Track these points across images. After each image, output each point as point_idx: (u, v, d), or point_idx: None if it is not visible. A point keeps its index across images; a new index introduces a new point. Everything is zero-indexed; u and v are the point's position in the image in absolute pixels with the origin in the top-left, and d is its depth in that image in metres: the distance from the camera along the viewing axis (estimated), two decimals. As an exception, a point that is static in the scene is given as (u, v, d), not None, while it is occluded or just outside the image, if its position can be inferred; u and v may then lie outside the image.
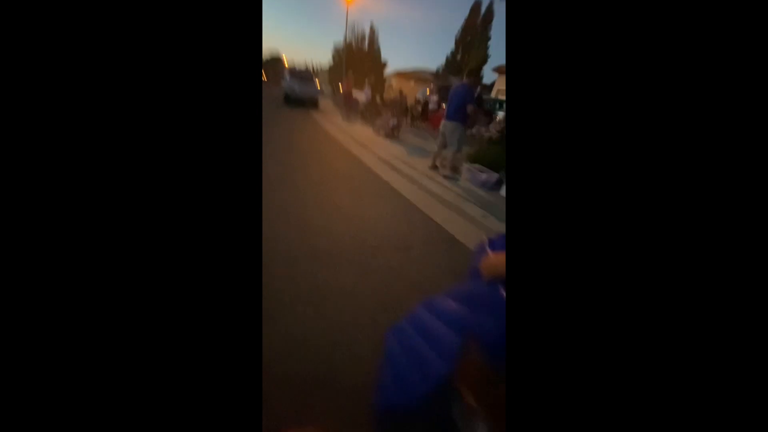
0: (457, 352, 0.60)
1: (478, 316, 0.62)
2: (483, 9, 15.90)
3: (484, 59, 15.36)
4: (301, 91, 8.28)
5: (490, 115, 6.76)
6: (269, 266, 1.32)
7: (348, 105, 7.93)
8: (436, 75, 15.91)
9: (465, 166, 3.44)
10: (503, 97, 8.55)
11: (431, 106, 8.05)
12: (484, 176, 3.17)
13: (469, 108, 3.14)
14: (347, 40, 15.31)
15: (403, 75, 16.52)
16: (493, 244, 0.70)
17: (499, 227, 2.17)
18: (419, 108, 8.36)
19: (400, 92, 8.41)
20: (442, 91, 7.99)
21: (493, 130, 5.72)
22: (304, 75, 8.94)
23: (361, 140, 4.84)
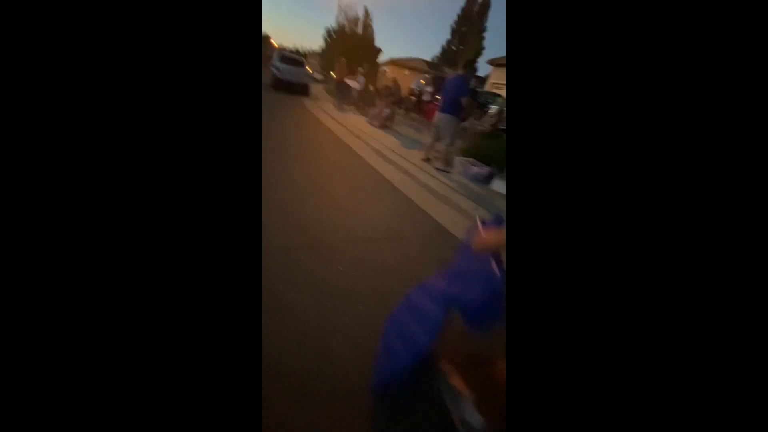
0: (440, 324, 0.63)
1: (463, 287, 0.65)
2: (479, -1, 15.61)
3: (480, 51, 15.22)
4: (290, 76, 7.89)
5: (483, 109, 6.77)
6: (263, 257, 1.31)
7: (341, 93, 7.73)
8: (431, 65, 15.67)
9: (457, 159, 3.47)
10: (497, 91, 8.54)
11: (426, 97, 7.96)
12: (476, 169, 3.21)
13: (464, 101, 3.14)
14: (339, 23, 14.75)
15: (397, 63, 16.17)
16: (485, 223, 0.73)
17: (490, 220, 2.22)
18: (413, 99, 8.26)
19: (395, 81, 8.26)
20: (437, 82, 7.89)
21: (486, 124, 5.75)
22: (295, 59, 8.50)
23: (354, 130, 4.77)
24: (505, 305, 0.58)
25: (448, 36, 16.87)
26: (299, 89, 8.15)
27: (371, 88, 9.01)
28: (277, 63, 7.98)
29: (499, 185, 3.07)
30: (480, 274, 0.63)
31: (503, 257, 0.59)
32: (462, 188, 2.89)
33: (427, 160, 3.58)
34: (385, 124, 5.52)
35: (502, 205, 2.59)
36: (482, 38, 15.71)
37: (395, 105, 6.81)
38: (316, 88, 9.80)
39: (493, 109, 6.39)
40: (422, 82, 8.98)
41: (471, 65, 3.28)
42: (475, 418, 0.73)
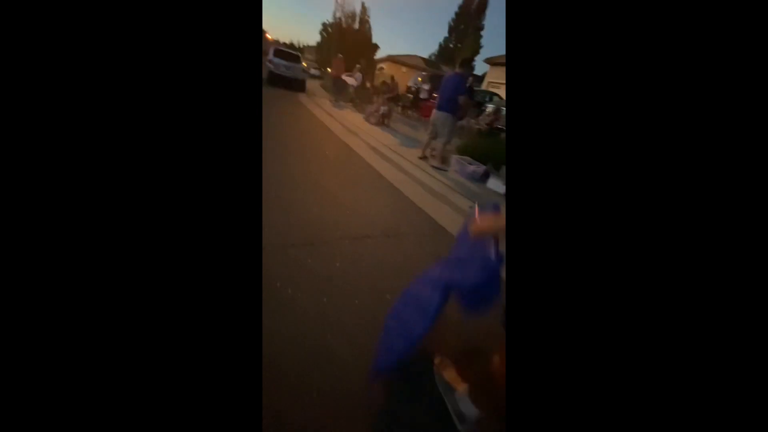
0: (438, 309, 0.63)
1: (460, 271, 0.67)
2: (477, -4, 15.57)
3: (477, 49, 15.21)
4: (286, 72, 7.76)
5: (480, 107, 6.79)
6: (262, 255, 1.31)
7: (338, 89, 7.65)
8: (429, 62, 15.62)
9: (453, 158, 3.48)
10: (494, 89, 8.56)
11: (423, 95, 7.95)
12: (471, 168, 3.23)
13: (461, 99, 3.15)
14: (336, 18, 14.57)
15: (394, 60, 16.08)
16: (482, 209, 0.74)
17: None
18: (410, 96, 8.23)
19: (392, 78, 8.21)
20: (434, 80, 7.87)
21: (482, 122, 5.77)
22: (290, 53, 8.35)
23: (351, 127, 4.74)
24: (501, 287, 0.59)
25: (445, 33, 16.84)
26: (295, 85, 8.03)
27: (368, 84, 8.94)
28: (273, 57, 7.82)
29: (494, 183, 3.10)
30: (477, 257, 0.64)
31: (501, 241, 0.60)
32: (458, 186, 2.91)
33: (424, 158, 3.59)
34: (382, 122, 5.50)
35: (497, 203, 2.61)
36: (480, 36, 15.71)
37: (392, 102, 6.77)
38: (312, 84, 9.67)
39: (490, 107, 6.42)
40: (419, 79, 8.96)
41: (468, 63, 3.28)
42: (469, 409, 0.75)
